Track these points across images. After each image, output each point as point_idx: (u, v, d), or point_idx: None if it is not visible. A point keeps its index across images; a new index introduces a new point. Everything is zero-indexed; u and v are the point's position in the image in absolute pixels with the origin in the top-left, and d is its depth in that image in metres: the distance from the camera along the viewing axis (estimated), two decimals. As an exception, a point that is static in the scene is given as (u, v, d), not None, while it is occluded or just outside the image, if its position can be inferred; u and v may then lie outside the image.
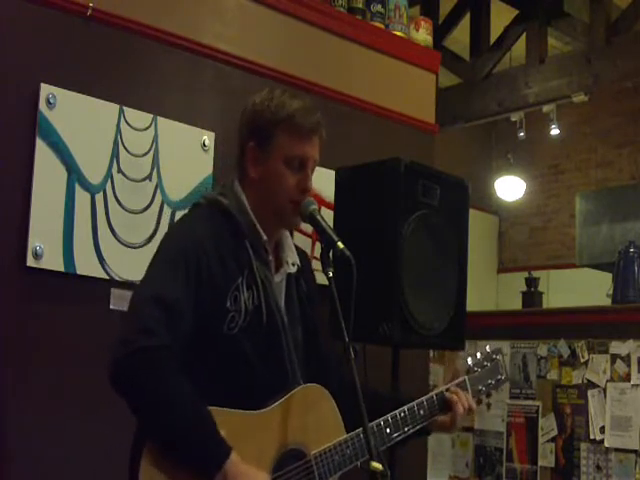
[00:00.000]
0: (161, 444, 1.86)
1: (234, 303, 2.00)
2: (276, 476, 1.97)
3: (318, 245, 3.16)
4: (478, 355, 2.50)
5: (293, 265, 2.18)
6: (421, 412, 2.26)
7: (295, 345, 2.12)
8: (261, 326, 2.03)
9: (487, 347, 2.54)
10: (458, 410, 2.29)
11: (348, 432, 2.10)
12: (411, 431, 2.23)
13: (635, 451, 4.15)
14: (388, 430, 2.17)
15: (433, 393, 2.31)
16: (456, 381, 2.38)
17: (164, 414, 1.85)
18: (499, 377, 2.51)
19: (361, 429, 2.05)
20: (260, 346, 2.03)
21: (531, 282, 6.09)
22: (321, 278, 2.10)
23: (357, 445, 2.07)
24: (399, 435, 2.20)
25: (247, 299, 2.02)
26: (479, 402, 2.46)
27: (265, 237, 2.09)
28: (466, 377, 2.42)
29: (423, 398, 2.28)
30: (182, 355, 1.92)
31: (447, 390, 2.33)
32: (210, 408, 1.89)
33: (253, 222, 2.09)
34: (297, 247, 2.25)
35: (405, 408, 2.22)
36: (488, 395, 2.53)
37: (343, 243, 2.02)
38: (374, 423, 2.12)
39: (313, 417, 2.06)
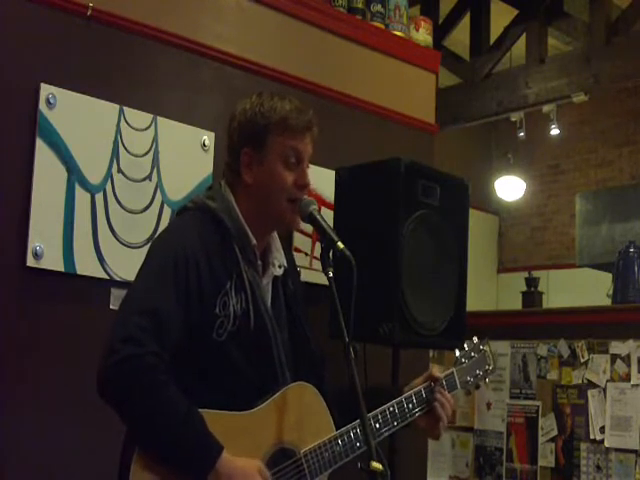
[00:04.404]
0: (152, 449, 1.86)
1: (223, 309, 2.00)
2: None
3: (318, 245, 3.16)
4: (466, 346, 2.48)
5: (280, 267, 2.18)
6: (410, 406, 2.25)
7: (283, 346, 2.12)
8: (249, 330, 2.03)
9: (474, 338, 2.52)
10: (437, 409, 2.28)
11: (338, 430, 2.10)
12: (399, 426, 2.23)
13: (635, 451, 4.15)
14: (377, 425, 2.17)
15: (421, 387, 2.29)
16: (445, 373, 2.37)
17: (153, 419, 1.85)
18: (487, 368, 2.49)
19: (350, 426, 2.08)
20: (249, 350, 2.03)
21: (531, 282, 6.09)
22: (321, 278, 2.10)
23: (347, 442, 2.08)
24: (388, 430, 2.20)
25: (236, 304, 2.02)
26: (468, 393, 2.44)
27: (254, 241, 2.09)
28: (454, 369, 2.41)
29: (411, 392, 2.27)
30: (171, 362, 1.90)
31: (432, 387, 2.31)
32: (200, 410, 1.89)
33: (243, 226, 2.09)
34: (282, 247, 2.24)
35: (394, 402, 2.23)
36: (477, 387, 2.50)
37: (343, 243, 2.02)
38: None
39: (303, 415, 2.06)
